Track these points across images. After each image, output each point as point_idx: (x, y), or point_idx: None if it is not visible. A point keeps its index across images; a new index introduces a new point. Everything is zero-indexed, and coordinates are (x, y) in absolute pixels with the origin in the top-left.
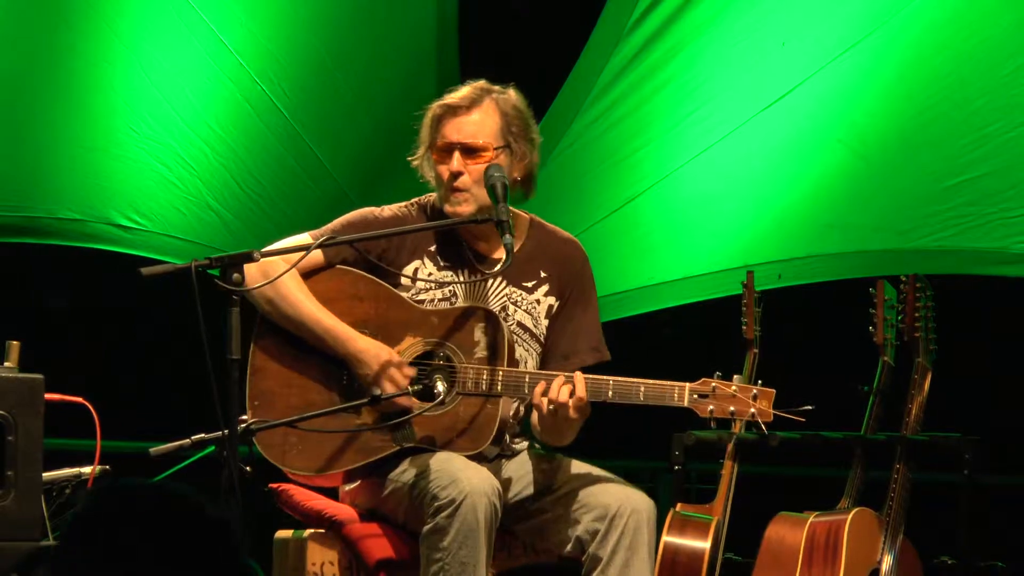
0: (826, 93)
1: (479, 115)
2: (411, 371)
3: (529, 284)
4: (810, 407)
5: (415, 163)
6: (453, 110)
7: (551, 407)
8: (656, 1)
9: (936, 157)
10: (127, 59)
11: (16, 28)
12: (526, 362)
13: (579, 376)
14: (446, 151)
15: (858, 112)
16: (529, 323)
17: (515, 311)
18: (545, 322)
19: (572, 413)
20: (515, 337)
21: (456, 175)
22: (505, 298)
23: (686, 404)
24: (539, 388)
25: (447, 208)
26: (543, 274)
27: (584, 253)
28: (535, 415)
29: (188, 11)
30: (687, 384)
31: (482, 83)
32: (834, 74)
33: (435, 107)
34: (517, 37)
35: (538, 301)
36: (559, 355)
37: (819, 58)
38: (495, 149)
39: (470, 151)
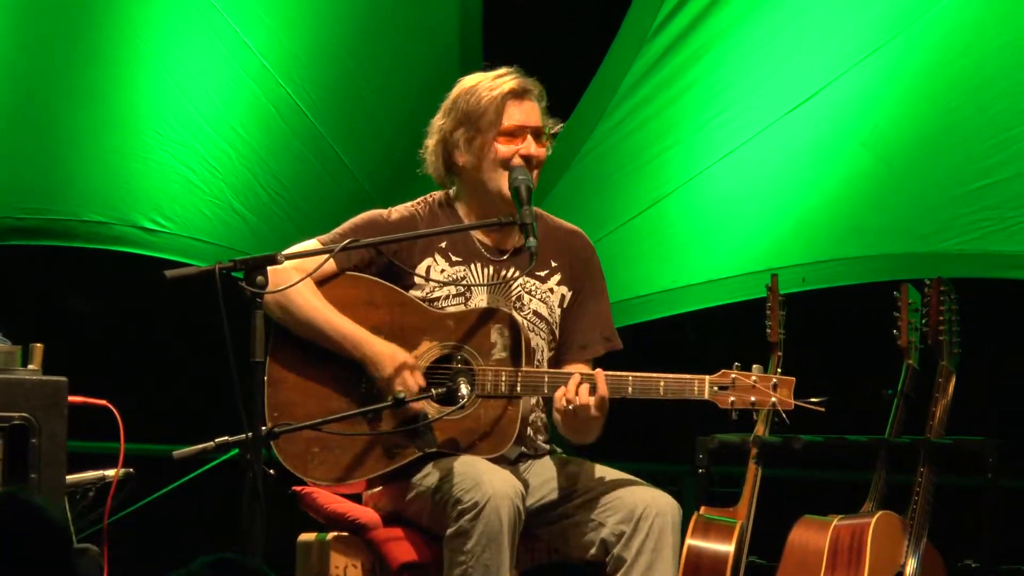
0: (849, 97)
1: (535, 102)
2: (421, 378)
3: (542, 274)
4: (827, 398)
5: (468, 143)
6: (520, 94)
7: (571, 408)
8: (680, 4)
9: (958, 161)
10: (151, 62)
11: (40, 31)
12: (542, 350)
13: (600, 374)
14: (516, 134)
15: (880, 116)
16: (544, 312)
17: (530, 300)
18: (559, 311)
19: (594, 412)
20: (530, 326)
21: (531, 157)
22: (520, 288)
23: (707, 396)
24: (559, 392)
25: (505, 189)
26: (554, 264)
27: (591, 244)
28: (557, 414)
29: (212, 13)
30: (707, 376)
31: (511, 69)
32: (856, 78)
33: (501, 88)
34: (541, 39)
35: (551, 290)
36: (577, 345)
37: (842, 62)
38: (545, 135)
39: (537, 135)
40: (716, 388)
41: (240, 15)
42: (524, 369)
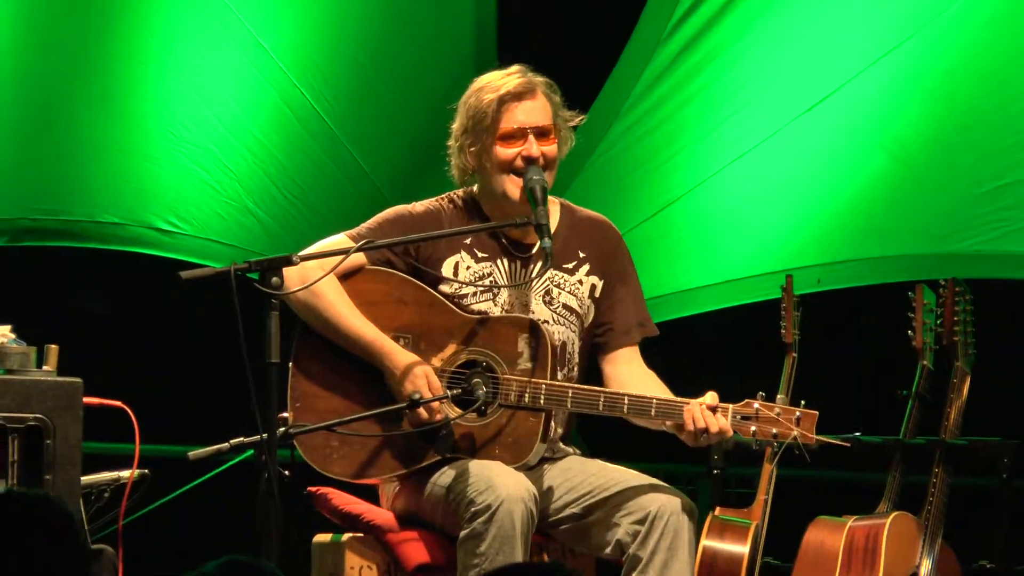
0: (865, 97)
1: (540, 99)
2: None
3: (570, 266)
4: (858, 433)
5: (471, 148)
6: (518, 95)
7: (703, 436)
8: (694, 5)
9: (976, 161)
10: (166, 63)
11: (54, 32)
12: (572, 343)
13: (701, 407)
14: (515, 136)
15: (897, 116)
16: (574, 304)
17: (559, 293)
18: (589, 302)
19: (728, 434)
20: (560, 319)
21: (534, 159)
22: (548, 281)
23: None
24: (690, 422)
25: (511, 192)
26: (582, 255)
27: (617, 231)
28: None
29: (228, 15)
30: (730, 405)
31: (520, 67)
32: (873, 78)
33: (497, 91)
34: (555, 41)
35: (580, 282)
36: (619, 331)
37: (858, 62)
38: (555, 131)
39: (542, 134)
40: (739, 418)
41: (256, 17)
42: (548, 381)
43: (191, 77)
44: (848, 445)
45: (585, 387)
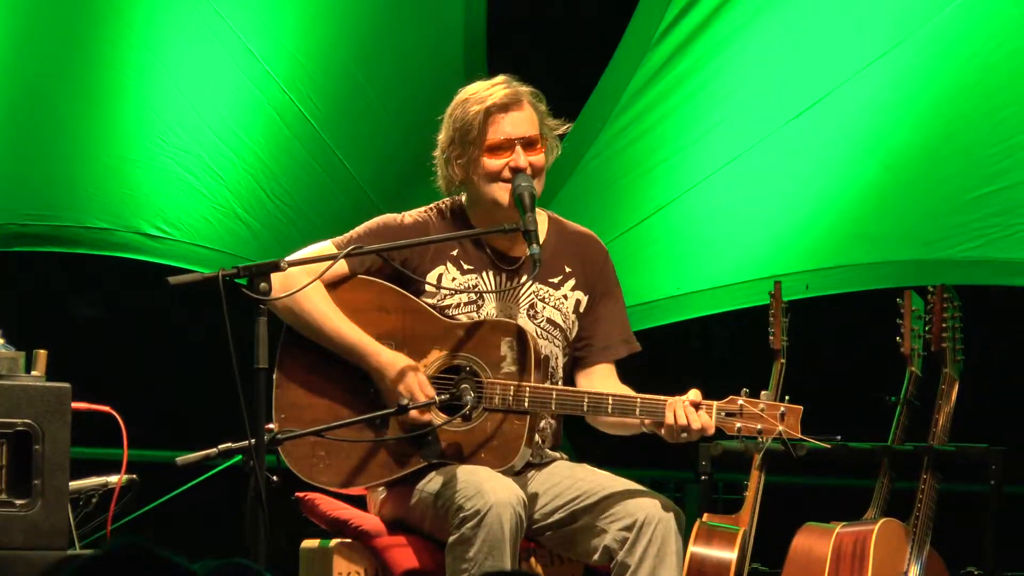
0: (853, 104)
1: (527, 110)
2: (431, 390)
3: (555, 280)
4: (838, 437)
5: (458, 160)
6: (505, 106)
7: (683, 434)
8: (683, 11)
9: (963, 168)
10: (155, 69)
11: (45, 37)
12: (556, 358)
13: (684, 404)
14: (503, 147)
15: (885, 123)
16: (558, 319)
17: (543, 308)
18: (573, 317)
19: (709, 432)
20: (544, 333)
21: (522, 169)
22: (533, 295)
23: (713, 422)
24: (671, 418)
25: (501, 198)
26: (567, 269)
27: (604, 246)
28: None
29: (217, 22)
30: (714, 402)
31: (505, 78)
32: (861, 85)
33: (484, 102)
34: (545, 47)
35: (565, 296)
36: (598, 348)
37: (847, 68)
38: (541, 141)
39: (529, 144)
40: (723, 414)
41: (244, 23)
42: (532, 384)
43: (180, 83)
44: (829, 447)
45: (569, 388)
